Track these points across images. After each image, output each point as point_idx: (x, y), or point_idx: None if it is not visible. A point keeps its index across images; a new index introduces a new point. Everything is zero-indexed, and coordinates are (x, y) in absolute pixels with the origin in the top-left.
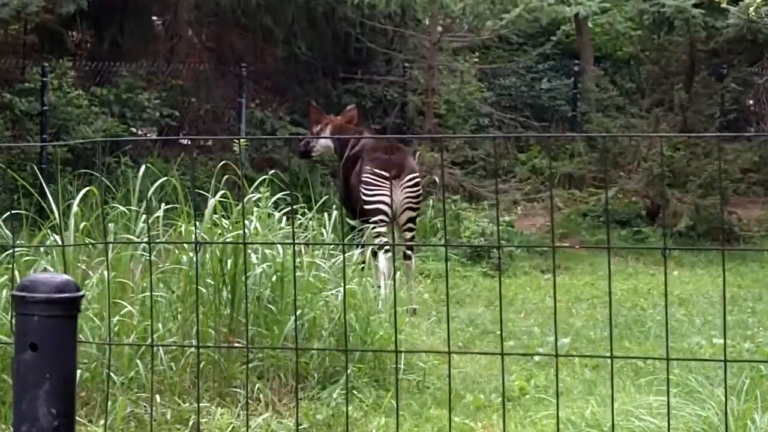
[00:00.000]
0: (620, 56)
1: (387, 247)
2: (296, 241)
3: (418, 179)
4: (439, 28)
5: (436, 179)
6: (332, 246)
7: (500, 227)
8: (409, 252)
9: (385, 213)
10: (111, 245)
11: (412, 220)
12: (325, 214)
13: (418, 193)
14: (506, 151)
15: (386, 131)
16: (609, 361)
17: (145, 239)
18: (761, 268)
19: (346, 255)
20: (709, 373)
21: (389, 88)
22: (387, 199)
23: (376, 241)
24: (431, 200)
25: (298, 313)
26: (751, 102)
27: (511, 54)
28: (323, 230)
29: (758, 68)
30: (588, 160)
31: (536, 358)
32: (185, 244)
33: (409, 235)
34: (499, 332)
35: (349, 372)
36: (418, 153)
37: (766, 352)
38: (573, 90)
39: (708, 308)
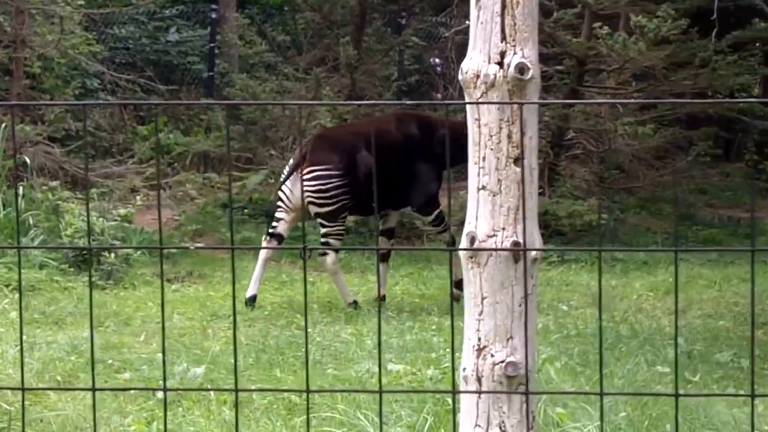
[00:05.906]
0: (270, 0)
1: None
2: None
3: (319, 172)
4: None
5: (28, 160)
6: None
7: (112, 224)
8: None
9: (282, 202)
10: None
11: (318, 215)
12: None
13: (317, 187)
14: (122, 123)
15: None
16: (254, 396)
17: None
18: (440, 265)
19: None
20: (384, 409)
21: None
22: (284, 188)
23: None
24: (22, 188)
25: None
26: (437, 60)
27: None
28: None
29: (445, 17)
30: (230, 135)
31: (159, 394)
32: None
33: (322, 231)
34: (110, 361)
35: None
36: None
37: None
38: (210, 44)
39: (382, 325)
